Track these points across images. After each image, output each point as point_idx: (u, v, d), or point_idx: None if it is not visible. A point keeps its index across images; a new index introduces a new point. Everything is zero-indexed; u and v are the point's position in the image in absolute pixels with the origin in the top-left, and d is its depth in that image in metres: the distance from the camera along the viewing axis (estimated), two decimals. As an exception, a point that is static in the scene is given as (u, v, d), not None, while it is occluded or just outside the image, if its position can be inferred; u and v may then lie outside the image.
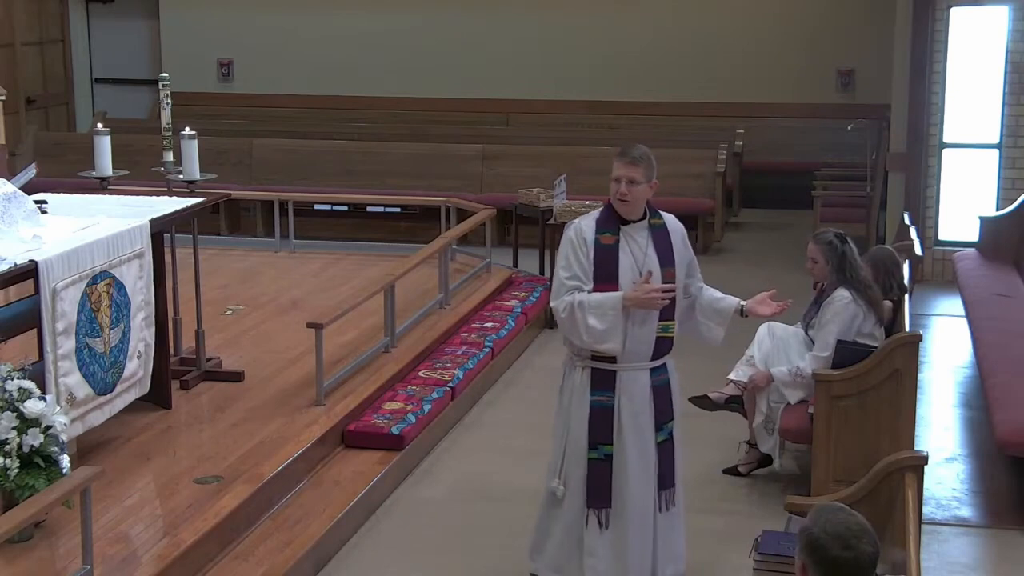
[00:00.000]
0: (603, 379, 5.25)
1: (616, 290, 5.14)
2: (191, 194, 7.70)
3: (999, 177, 11.30)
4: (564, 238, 5.34)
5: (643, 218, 5.27)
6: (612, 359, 5.22)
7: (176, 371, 7.50)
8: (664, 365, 5.34)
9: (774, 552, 4.97)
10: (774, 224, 13.90)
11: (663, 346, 5.29)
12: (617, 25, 15.10)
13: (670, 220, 5.37)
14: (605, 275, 5.17)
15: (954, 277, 10.17)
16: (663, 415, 5.33)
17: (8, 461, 5.31)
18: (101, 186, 7.71)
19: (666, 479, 5.40)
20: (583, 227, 5.26)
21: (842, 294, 6.73)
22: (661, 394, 5.32)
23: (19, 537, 5.32)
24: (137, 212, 6.99)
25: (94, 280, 6.24)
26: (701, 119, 14.77)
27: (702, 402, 7.15)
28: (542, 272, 10.57)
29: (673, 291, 5.22)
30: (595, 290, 5.17)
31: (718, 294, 5.51)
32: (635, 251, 5.22)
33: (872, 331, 6.74)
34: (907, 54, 11.35)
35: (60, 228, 6.42)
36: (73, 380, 6.08)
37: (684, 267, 5.35)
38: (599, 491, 5.30)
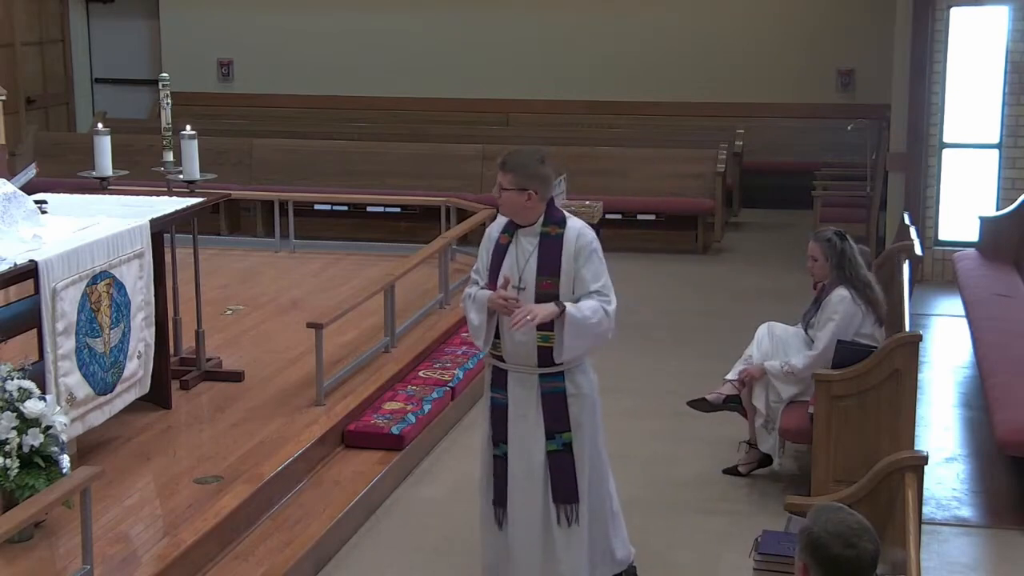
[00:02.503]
0: (498, 377, 5.34)
1: (495, 289, 5.22)
2: (191, 194, 7.70)
3: (999, 177, 11.30)
4: None
5: (536, 224, 5.24)
6: (503, 358, 5.28)
7: (176, 371, 7.50)
8: (560, 375, 5.24)
9: (774, 552, 4.97)
10: (774, 224, 13.90)
11: (548, 355, 5.21)
12: (617, 25, 15.10)
13: (571, 232, 5.24)
14: (493, 274, 5.27)
15: (954, 277, 10.17)
16: (555, 424, 5.26)
17: (8, 461, 5.31)
18: (101, 186, 7.71)
19: (563, 492, 5.29)
20: (494, 226, 5.39)
21: (841, 293, 6.74)
22: (552, 402, 5.25)
23: (19, 537, 5.32)
24: (137, 212, 6.99)
25: (94, 280, 6.24)
26: (701, 119, 14.76)
27: (700, 405, 7.15)
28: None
29: (511, 303, 5.11)
30: (486, 287, 5.28)
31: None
32: (519, 256, 5.25)
33: (872, 331, 6.75)
34: (907, 54, 11.35)
35: (60, 228, 6.41)
36: (73, 380, 6.08)
37: (571, 281, 5.21)
38: (498, 489, 5.37)
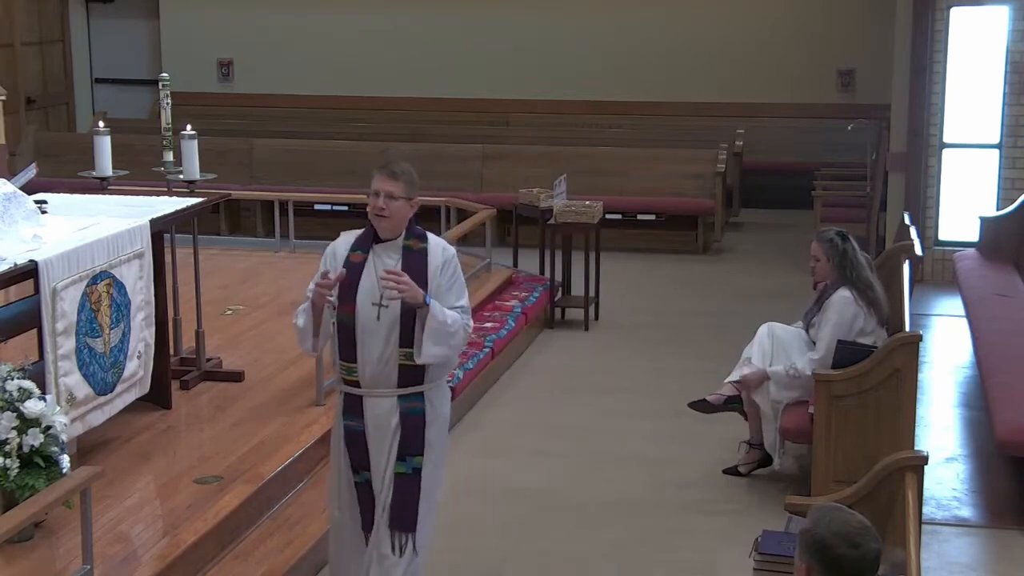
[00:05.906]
0: (352, 404, 5.08)
1: (353, 310, 4.98)
2: (191, 194, 7.69)
3: (999, 177, 11.31)
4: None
5: (398, 238, 5.03)
6: (357, 383, 5.05)
7: (176, 371, 7.49)
8: (420, 395, 5.03)
9: (774, 552, 4.97)
10: (774, 224, 13.91)
11: (409, 374, 5.00)
12: (617, 25, 15.10)
13: (435, 246, 5.04)
14: (346, 294, 5.01)
15: (954, 277, 10.18)
16: (407, 446, 5.02)
17: (8, 461, 5.31)
18: (101, 186, 7.71)
19: (402, 520, 5.03)
20: (340, 243, 5.16)
21: (842, 294, 6.74)
22: (409, 424, 5.02)
23: (19, 537, 5.32)
24: (137, 212, 6.98)
25: (94, 280, 6.23)
26: (701, 119, 14.77)
27: (701, 406, 7.15)
28: (542, 272, 10.57)
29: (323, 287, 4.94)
30: (338, 310, 5.02)
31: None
32: (379, 271, 4.97)
33: (874, 331, 6.75)
34: (907, 54, 11.36)
35: (60, 228, 6.41)
36: (73, 380, 6.07)
37: (434, 296, 4.98)
38: (365, 516, 5.11)
